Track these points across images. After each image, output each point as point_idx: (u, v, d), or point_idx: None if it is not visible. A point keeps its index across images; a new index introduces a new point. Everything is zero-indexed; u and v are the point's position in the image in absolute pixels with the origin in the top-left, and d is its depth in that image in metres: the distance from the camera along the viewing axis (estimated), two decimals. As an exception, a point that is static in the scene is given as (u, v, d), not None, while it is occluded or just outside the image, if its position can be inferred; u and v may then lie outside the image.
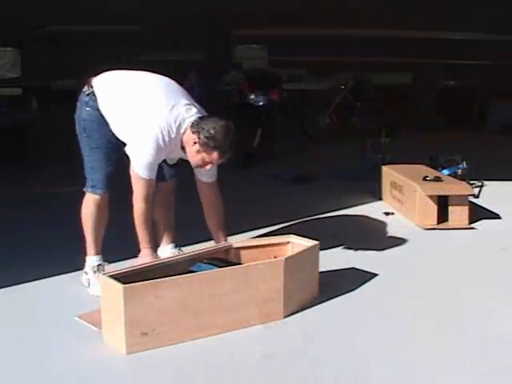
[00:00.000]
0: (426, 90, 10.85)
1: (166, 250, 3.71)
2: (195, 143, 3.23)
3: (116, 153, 3.38)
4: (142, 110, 3.28)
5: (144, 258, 3.24)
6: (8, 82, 9.57)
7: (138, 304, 2.71)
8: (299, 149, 8.29)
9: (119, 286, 2.70)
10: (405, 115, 10.02)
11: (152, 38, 10.60)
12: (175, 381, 2.60)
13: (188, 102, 3.34)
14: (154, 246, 3.42)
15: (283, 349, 2.86)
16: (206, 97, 7.08)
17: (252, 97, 7.45)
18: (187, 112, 3.28)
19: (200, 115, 3.31)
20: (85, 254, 3.53)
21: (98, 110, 3.34)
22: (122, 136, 3.34)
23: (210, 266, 3.09)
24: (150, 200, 3.27)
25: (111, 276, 2.82)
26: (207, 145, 3.19)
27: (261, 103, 7.48)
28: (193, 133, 3.23)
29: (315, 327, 3.09)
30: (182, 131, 3.25)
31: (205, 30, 10.43)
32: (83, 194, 3.50)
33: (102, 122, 3.35)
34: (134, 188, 3.25)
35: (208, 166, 3.30)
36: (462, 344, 2.90)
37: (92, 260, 3.51)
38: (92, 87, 3.37)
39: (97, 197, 3.46)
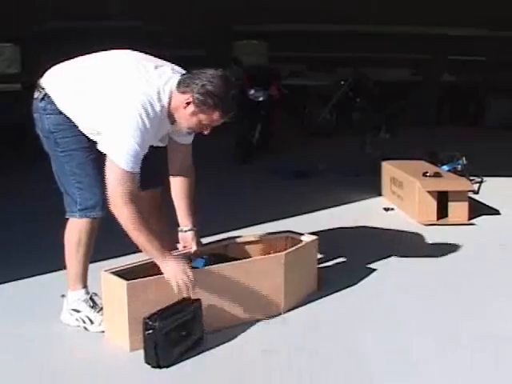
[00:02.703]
0: (426, 86, 10.83)
1: None
2: (188, 104, 2.64)
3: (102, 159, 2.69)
4: (112, 92, 2.66)
5: (174, 270, 2.70)
6: (7, 78, 9.55)
7: (140, 300, 2.72)
8: (299, 144, 8.29)
9: (122, 283, 2.71)
10: (405, 111, 10.01)
11: (152, 33, 10.58)
12: (177, 377, 2.61)
13: (157, 65, 2.75)
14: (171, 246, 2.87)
15: (283, 344, 2.87)
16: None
17: (252, 92, 7.45)
18: (160, 78, 2.67)
19: (178, 74, 2.73)
20: (70, 288, 2.97)
21: (61, 112, 2.75)
22: (95, 133, 2.73)
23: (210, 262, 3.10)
24: (136, 197, 2.62)
25: (113, 272, 2.83)
26: (205, 103, 2.61)
27: (260, 99, 7.48)
28: (183, 93, 2.65)
29: (315, 322, 3.10)
30: (165, 101, 2.66)
31: (204, 26, 10.42)
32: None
33: (73, 125, 2.77)
34: (113, 187, 2.58)
35: (206, 131, 2.76)
36: (462, 340, 2.92)
37: (80, 294, 2.95)
38: (43, 89, 2.79)
39: (88, 221, 2.83)
